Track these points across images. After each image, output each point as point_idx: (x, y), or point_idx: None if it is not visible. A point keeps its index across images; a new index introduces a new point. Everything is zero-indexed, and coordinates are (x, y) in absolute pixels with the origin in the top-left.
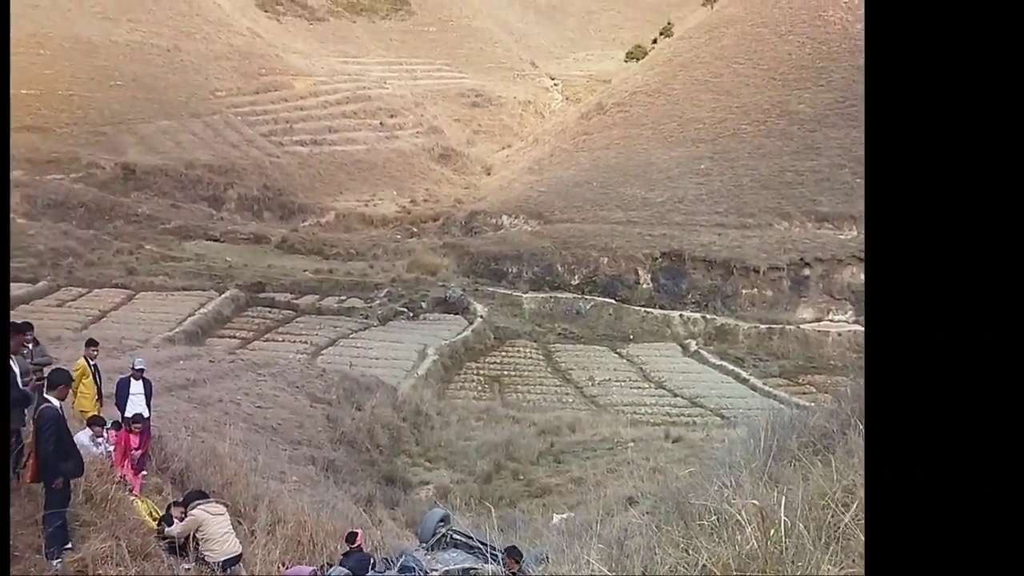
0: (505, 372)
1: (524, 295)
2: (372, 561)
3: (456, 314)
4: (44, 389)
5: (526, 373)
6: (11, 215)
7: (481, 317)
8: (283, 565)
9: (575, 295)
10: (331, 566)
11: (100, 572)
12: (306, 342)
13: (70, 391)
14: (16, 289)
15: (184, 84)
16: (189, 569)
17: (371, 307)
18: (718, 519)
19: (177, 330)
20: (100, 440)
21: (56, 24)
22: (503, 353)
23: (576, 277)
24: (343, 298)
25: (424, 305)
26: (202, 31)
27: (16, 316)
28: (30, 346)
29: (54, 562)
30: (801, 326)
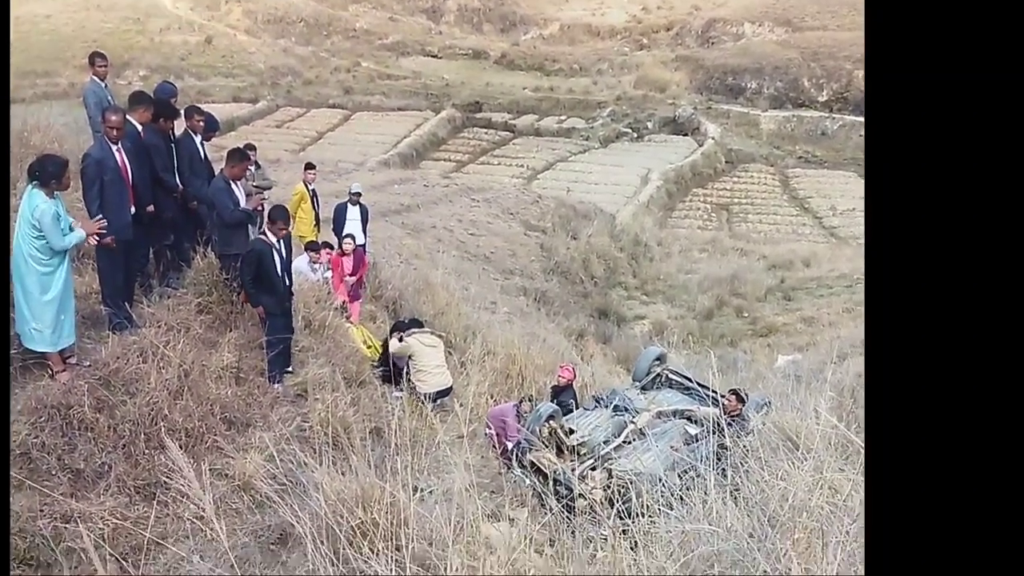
0: (735, 199)
1: (763, 113)
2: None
3: (685, 135)
4: (265, 222)
5: (759, 201)
6: (234, 32)
7: (712, 138)
8: (491, 398)
9: (822, 113)
10: (540, 401)
11: (317, 396)
12: (522, 166)
13: (289, 226)
14: (238, 109)
15: None
16: (400, 398)
17: (592, 128)
18: None
19: (392, 152)
20: (317, 266)
21: None
22: (734, 179)
23: (824, 93)
24: (563, 118)
25: (650, 125)
26: None
27: (238, 137)
28: (252, 168)
29: (275, 385)
30: None
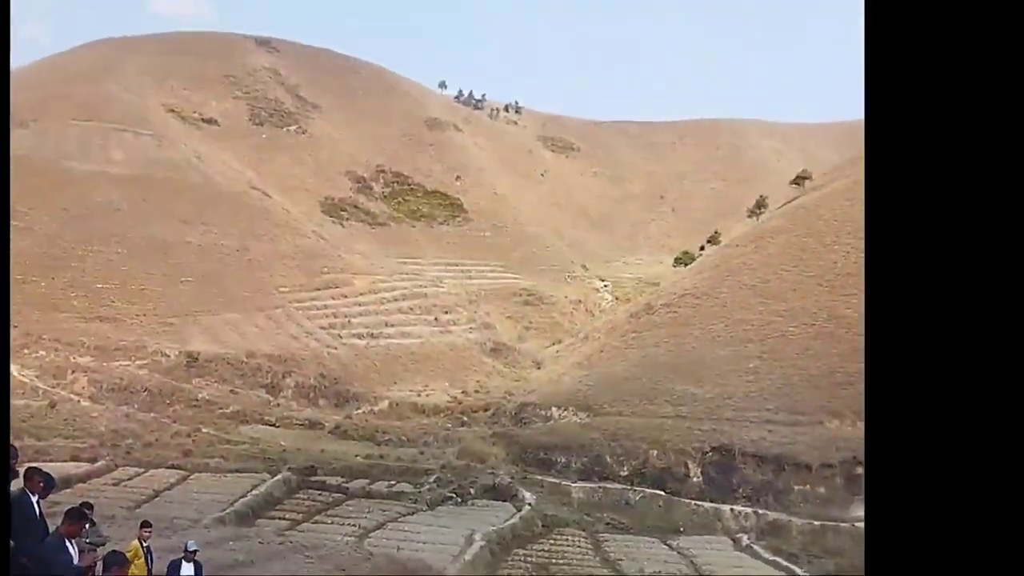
0: (553, 560)
1: (573, 484)
2: None
3: (504, 501)
4: (100, 570)
5: (575, 562)
6: (78, 398)
7: (529, 504)
8: None
9: (624, 486)
10: None
11: None
12: (355, 525)
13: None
14: (74, 468)
15: (250, 280)
16: None
17: (420, 492)
18: None
19: (229, 511)
20: None
21: (136, 226)
22: (551, 541)
23: (625, 468)
24: (393, 483)
25: (473, 491)
26: (270, 233)
27: (74, 495)
28: (87, 526)
29: None
30: (856, 524)
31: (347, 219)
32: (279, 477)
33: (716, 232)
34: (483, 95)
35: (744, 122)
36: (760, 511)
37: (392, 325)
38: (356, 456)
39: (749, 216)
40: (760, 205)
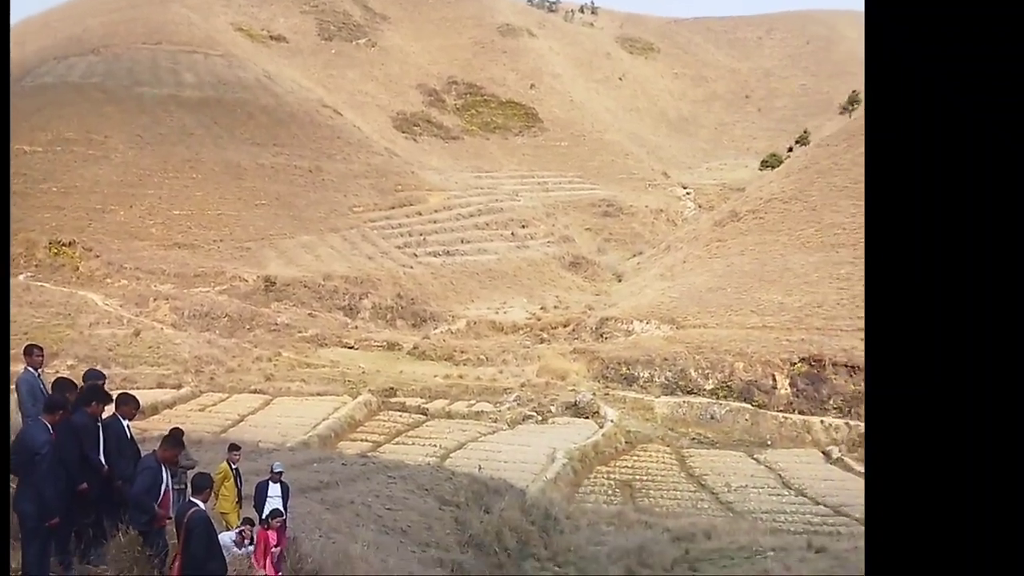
0: (637, 476)
1: (656, 399)
2: None
3: (586, 418)
4: (190, 492)
5: (659, 478)
6: (161, 326)
7: (612, 421)
8: None
9: (709, 400)
10: None
11: None
12: (436, 445)
13: (212, 494)
14: (161, 395)
15: (324, 201)
16: None
17: (500, 411)
18: None
19: (312, 434)
20: (245, 542)
21: (209, 150)
22: (634, 457)
23: (710, 382)
24: (472, 402)
25: (553, 409)
26: (342, 152)
27: (162, 421)
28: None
29: None
30: None
31: (420, 134)
32: (360, 399)
33: (805, 131)
34: None
35: (835, 13)
36: (852, 422)
37: (468, 242)
38: (435, 376)
39: (841, 113)
40: (853, 101)
